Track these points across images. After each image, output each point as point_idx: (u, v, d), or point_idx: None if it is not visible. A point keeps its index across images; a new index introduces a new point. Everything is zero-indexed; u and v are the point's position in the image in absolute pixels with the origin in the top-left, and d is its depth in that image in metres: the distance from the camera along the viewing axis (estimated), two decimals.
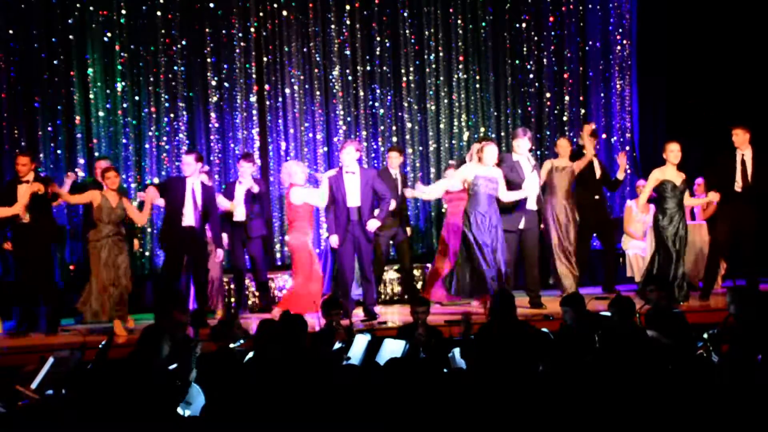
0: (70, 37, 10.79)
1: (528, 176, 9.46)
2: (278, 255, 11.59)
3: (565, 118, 12.53)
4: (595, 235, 10.73)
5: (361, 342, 6.88)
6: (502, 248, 8.99)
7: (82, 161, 10.75)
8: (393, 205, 9.65)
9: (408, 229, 10.52)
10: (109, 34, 10.95)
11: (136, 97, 11.12)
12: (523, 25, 12.42)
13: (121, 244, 8.82)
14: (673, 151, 9.35)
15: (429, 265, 11.23)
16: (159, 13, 11.14)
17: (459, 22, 12.20)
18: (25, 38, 10.64)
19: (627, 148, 12.29)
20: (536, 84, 12.50)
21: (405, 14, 12.01)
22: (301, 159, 11.60)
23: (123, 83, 11.01)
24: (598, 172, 10.48)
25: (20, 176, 8.85)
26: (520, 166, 9.47)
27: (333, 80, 11.77)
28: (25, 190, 8.72)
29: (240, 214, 9.67)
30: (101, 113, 10.89)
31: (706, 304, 9.33)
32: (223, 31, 11.38)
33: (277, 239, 11.53)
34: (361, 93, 11.91)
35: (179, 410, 5.38)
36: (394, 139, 11.95)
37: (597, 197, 10.48)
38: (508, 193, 9.16)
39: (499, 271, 8.89)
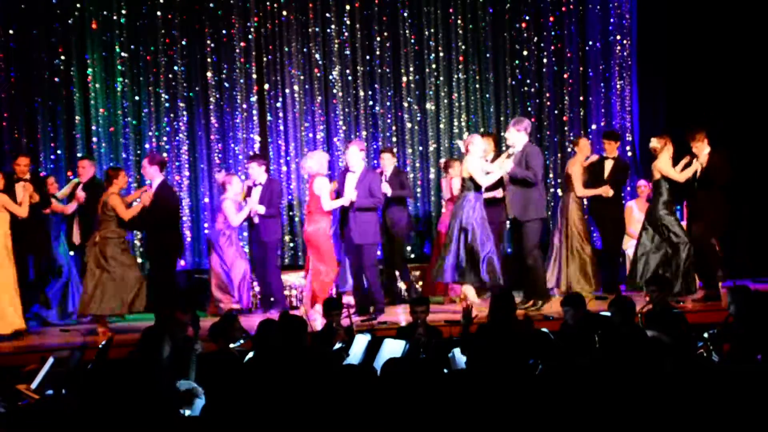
0: (70, 37, 10.79)
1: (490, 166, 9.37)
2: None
3: (565, 118, 12.52)
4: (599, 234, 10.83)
5: (361, 342, 6.88)
6: (478, 239, 9.02)
7: None
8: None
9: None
10: (109, 34, 10.94)
11: (136, 97, 11.12)
12: (523, 25, 12.41)
13: None
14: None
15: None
16: (159, 13, 11.14)
17: (459, 22, 12.19)
18: (25, 38, 10.63)
19: (629, 152, 12.28)
20: (536, 84, 12.49)
21: (405, 14, 12.01)
22: (301, 159, 11.60)
23: (123, 83, 11.01)
24: (606, 173, 10.46)
25: (18, 176, 8.95)
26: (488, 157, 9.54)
27: (333, 80, 11.77)
28: (22, 189, 8.73)
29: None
30: (101, 113, 10.89)
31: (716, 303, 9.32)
32: (223, 31, 11.38)
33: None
34: (361, 93, 11.91)
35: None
36: (394, 139, 11.96)
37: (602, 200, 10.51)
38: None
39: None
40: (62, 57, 10.78)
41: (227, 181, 10.02)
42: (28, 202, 8.65)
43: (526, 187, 9.25)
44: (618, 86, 12.57)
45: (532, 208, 9.27)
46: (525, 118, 9.74)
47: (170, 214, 9.37)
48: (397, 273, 10.60)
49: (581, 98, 12.57)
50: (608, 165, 10.44)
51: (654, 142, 9.57)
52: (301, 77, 11.67)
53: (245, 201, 10.01)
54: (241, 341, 6.87)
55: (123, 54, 11.00)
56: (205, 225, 11.34)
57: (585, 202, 10.64)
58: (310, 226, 9.56)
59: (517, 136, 9.33)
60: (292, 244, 11.59)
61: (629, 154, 12.37)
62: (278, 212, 10.12)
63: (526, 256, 9.35)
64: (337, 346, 6.88)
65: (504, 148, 9.75)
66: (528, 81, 12.46)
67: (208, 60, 11.34)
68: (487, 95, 12.36)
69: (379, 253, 10.06)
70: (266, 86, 11.58)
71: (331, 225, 9.72)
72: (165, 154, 11.12)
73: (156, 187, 9.37)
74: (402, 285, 10.70)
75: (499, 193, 9.72)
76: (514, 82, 12.44)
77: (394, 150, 11.05)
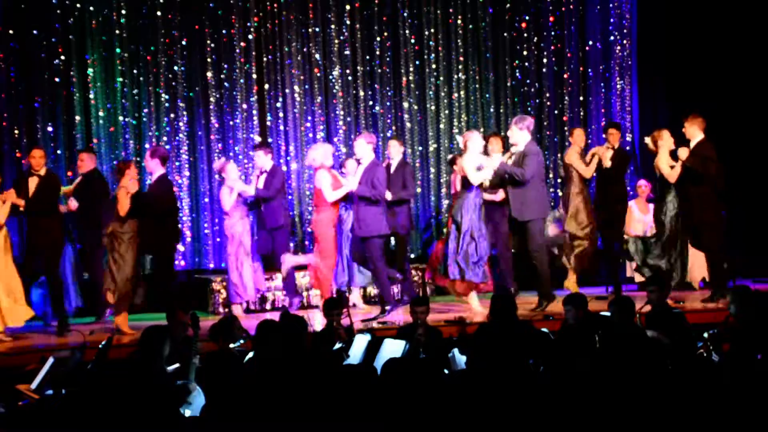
0: (70, 37, 10.78)
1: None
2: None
3: (565, 118, 12.53)
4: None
5: (361, 342, 6.88)
6: (473, 240, 9.02)
7: None
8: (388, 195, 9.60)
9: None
10: (109, 34, 10.94)
11: (136, 97, 11.11)
12: (523, 25, 12.42)
13: None
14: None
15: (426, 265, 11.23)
16: (159, 13, 11.14)
17: (459, 22, 12.19)
18: (25, 38, 10.63)
19: (628, 148, 12.28)
20: (536, 84, 12.49)
21: (405, 14, 12.01)
22: (301, 159, 11.61)
23: (123, 83, 11.01)
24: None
25: (33, 169, 9.03)
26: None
27: (333, 80, 11.77)
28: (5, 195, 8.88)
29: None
30: (101, 113, 10.88)
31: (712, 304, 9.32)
32: (223, 31, 11.37)
33: None
34: (361, 93, 11.91)
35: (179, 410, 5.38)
36: None
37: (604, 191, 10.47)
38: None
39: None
40: (62, 57, 10.77)
41: (222, 169, 10.03)
42: (7, 211, 8.66)
43: (522, 187, 9.10)
44: (618, 86, 12.59)
45: (529, 207, 9.12)
46: (527, 116, 9.57)
47: (166, 208, 9.30)
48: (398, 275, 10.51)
49: (581, 98, 12.58)
50: (607, 155, 10.42)
51: (647, 141, 9.58)
52: (301, 77, 11.66)
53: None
54: (241, 341, 6.87)
55: (123, 54, 10.99)
56: (205, 225, 11.35)
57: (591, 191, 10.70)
58: (314, 215, 9.81)
59: (519, 134, 9.21)
60: (291, 244, 11.59)
61: None
62: (277, 196, 9.85)
63: (531, 257, 9.27)
64: (337, 346, 6.88)
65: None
66: (528, 81, 12.47)
67: (208, 60, 11.34)
68: (487, 95, 12.36)
69: None
70: (266, 86, 11.58)
71: (338, 217, 9.76)
72: None
73: (154, 181, 9.37)
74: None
75: (497, 196, 9.67)
76: (514, 82, 12.44)
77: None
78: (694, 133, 9.42)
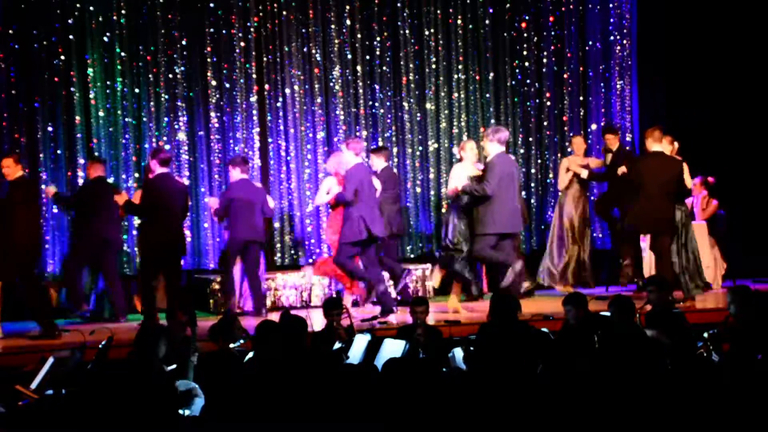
0: (70, 37, 10.77)
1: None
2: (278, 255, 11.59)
3: (565, 118, 12.53)
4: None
5: (361, 342, 6.89)
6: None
7: (82, 161, 10.74)
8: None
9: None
10: (109, 34, 10.93)
11: (136, 98, 11.10)
12: (523, 25, 12.41)
13: None
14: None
15: (429, 265, 11.22)
16: (159, 13, 11.13)
17: (459, 22, 12.18)
18: (25, 38, 10.63)
19: (628, 148, 12.28)
20: (536, 84, 12.49)
21: (405, 14, 12.00)
22: (301, 159, 11.62)
23: (123, 83, 11.00)
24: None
25: (5, 178, 8.89)
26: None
27: (333, 80, 11.76)
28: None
29: None
30: (101, 113, 10.88)
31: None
32: (223, 31, 11.37)
33: (277, 240, 11.54)
34: (361, 93, 11.90)
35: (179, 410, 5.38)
36: (394, 139, 11.96)
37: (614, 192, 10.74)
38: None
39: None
40: (62, 57, 10.76)
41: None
42: None
43: (486, 202, 8.97)
44: (618, 86, 12.58)
45: (487, 222, 8.97)
46: (502, 128, 9.49)
47: (153, 206, 9.18)
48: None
49: (581, 98, 12.57)
50: (608, 157, 10.63)
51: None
52: (301, 77, 11.65)
53: None
54: (241, 341, 6.87)
55: (123, 54, 10.98)
56: (206, 225, 11.34)
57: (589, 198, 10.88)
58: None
59: (490, 145, 9.16)
60: (291, 244, 11.59)
61: None
62: (227, 215, 9.87)
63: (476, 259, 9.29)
64: (337, 346, 6.88)
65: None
66: (528, 81, 12.46)
67: (208, 60, 11.33)
68: (487, 95, 12.35)
69: None
70: (266, 86, 11.57)
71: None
72: None
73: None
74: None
75: None
76: (514, 82, 12.43)
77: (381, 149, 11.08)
78: (650, 146, 9.44)
